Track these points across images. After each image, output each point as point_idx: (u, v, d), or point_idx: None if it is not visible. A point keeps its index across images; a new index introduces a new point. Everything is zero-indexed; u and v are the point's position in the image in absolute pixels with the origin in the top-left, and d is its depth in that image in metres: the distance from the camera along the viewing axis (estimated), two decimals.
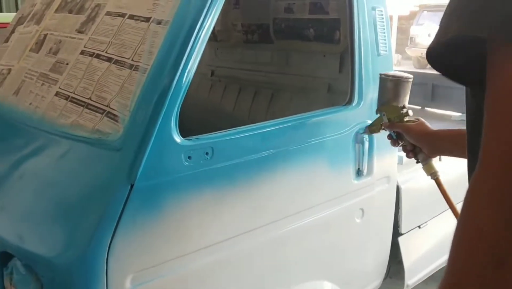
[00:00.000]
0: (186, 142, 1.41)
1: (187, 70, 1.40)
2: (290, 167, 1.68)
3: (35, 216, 1.43)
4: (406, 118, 1.56)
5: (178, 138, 1.39)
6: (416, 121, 1.52)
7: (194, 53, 1.42)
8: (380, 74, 1.65)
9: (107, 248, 1.28)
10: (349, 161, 1.87)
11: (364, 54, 1.89)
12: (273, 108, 2.54)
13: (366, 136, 1.89)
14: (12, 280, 1.40)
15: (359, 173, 1.91)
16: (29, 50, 1.88)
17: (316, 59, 2.43)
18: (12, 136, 1.72)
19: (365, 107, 1.89)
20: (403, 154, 2.16)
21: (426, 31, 13.34)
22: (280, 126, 1.67)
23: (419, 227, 2.32)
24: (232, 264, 1.58)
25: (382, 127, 1.65)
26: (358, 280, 2.10)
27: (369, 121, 1.91)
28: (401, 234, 2.22)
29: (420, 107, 4.05)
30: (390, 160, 2.06)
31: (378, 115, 1.67)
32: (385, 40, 1.96)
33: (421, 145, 1.48)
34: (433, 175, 1.52)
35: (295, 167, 1.70)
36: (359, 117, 1.88)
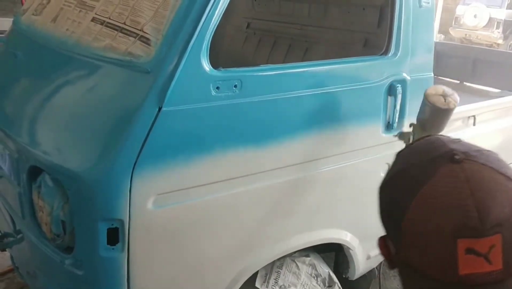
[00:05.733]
0: (215, 72, 1.41)
1: None
2: (318, 111, 1.66)
3: (66, 133, 1.46)
4: None
5: (207, 67, 1.39)
6: None
7: None
8: (426, 91, 1.62)
9: (132, 167, 1.31)
10: (379, 113, 1.83)
11: (405, 4, 1.83)
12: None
13: (399, 90, 1.84)
14: (40, 193, 1.45)
15: (388, 126, 1.87)
16: None
17: (354, 13, 2.37)
18: (48, 61, 1.75)
19: (401, 58, 1.83)
20: None
21: (472, 12, 12.82)
22: (313, 68, 1.64)
23: None
24: (256, 200, 1.58)
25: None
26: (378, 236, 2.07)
27: (405, 74, 1.86)
28: None
29: (458, 82, 3.92)
30: None
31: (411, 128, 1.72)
32: None
33: None
34: None
35: (324, 112, 1.67)
36: (394, 68, 1.83)
